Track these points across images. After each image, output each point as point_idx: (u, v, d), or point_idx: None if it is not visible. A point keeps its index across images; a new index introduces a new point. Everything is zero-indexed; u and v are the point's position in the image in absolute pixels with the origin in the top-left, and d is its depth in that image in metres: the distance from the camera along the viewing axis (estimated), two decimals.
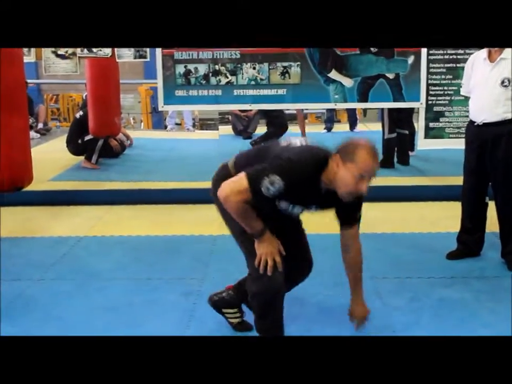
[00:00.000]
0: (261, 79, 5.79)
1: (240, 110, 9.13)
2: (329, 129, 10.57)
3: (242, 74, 5.80)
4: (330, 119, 10.73)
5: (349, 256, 3.10)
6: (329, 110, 10.41)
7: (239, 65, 5.79)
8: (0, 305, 3.53)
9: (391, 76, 5.79)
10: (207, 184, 5.95)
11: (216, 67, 5.79)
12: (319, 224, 3.67)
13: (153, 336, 3.01)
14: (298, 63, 5.75)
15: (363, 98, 5.86)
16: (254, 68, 5.78)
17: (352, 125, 10.55)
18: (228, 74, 5.80)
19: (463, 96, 4.92)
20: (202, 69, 5.79)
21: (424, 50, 5.69)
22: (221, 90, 5.83)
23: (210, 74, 5.81)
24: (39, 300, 3.84)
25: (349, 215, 3.04)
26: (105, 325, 3.44)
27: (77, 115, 8.05)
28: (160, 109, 6.48)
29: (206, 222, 5.29)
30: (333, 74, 5.77)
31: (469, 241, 4.34)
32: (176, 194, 6.11)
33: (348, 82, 5.79)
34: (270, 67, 5.78)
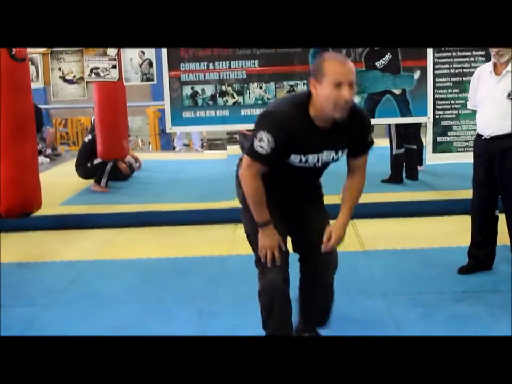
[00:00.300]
0: (268, 98, 5.78)
1: (248, 130, 9.15)
2: None
3: (249, 94, 5.81)
4: None
5: (353, 179, 3.11)
6: None
7: (246, 85, 5.79)
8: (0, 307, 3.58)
9: (397, 91, 5.79)
10: (216, 205, 6.00)
11: (223, 88, 5.80)
12: None
13: (153, 336, 3.07)
14: (305, 81, 5.73)
15: (370, 114, 5.78)
16: (261, 88, 5.79)
17: None
18: (234, 95, 5.81)
19: (470, 109, 4.95)
20: (209, 90, 5.80)
21: (430, 65, 5.70)
22: (228, 110, 5.84)
23: (217, 95, 5.81)
24: (52, 325, 3.83)
25: (358, 148, 3.02)
26: None
27: (86, 139, 8.11)
28: (168, 131, 6.51)
29: (215, 243, 5.33)
30: None
31: (480, 255, 4.32)
32: (185, 216, 6.12)
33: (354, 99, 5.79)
34: (277, 86, 5.78)
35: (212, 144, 13.37)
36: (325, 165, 3.03)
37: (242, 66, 5.79)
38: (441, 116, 5.80)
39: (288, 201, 3.15)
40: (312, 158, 2.91)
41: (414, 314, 3.74)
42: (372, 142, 3.04)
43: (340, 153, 2.96)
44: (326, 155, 2.93)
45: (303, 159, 2.90)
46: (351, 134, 2.90)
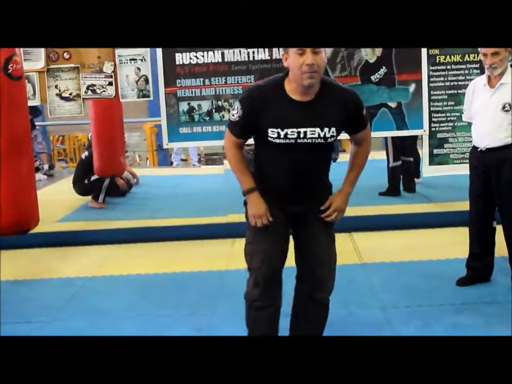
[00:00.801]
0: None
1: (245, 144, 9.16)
2: (334, 159, 10.58)
3: None
4: (335, 149, 10.77)
5: (359, 147, 3.13)
6: None
7: None
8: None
9: (393, 104, 5.79)
10: (214, 220, 5.99)
11: (219, 103, 5.79)
12: None
13: (153, 336, 3.17)
14: None
15: None
16: None
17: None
18: (231, 110, 5.80)
19: (466, 122, 4.97)
20: (205, 105, 5.79)
21: (425, 78, 5.71)
22: (225, 125, 5.81)
23: (214, 110, 5.81)
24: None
25: (355, 126, 3.05)
26: None
27: (83, 155, 8.14)
28: (165, 147, 6.51)
29: (213, 258, 5.33)
30: None
31: (478, 267, 4.33)
32: (183, 231, 6.13)
33: None
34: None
35: (209, 159, 13.39)
36: (315, 146, 2.95)
37: (238, 81, 5.78)
38: (437, 129, 5.81)
39: (291, 202, 3.09)
40: (291, 133, 2.88)
41: (413, 327, 3.75)
42: (367, 121, 3.09)
43: (326, 130, 2.91)
44: (310, 132, 2.90)
45: (281, 133, 2.88)
46: (340, 111, 2.92)
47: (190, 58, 5.72)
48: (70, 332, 3.95)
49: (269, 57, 5.72)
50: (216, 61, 5.74)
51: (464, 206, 4.56)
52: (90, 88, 5.86)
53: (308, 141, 2.90)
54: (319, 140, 2.91)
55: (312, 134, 2.89)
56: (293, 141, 2.89)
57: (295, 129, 2.88)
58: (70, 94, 5.87)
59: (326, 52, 2.85)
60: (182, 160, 12.15)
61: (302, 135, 2.88)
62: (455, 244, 5.05)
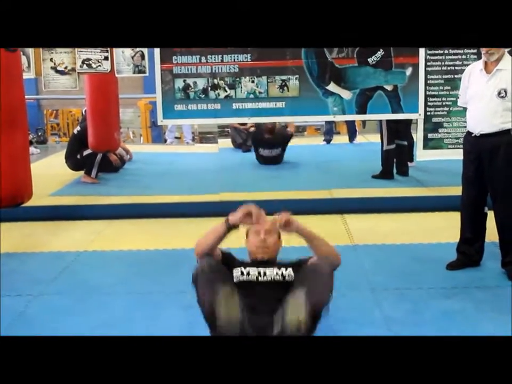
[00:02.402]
0: (260, 93, 5.81)
1: (239, 123, 9.16)
2: (328, 141, 10.62)
3: (241, 88, 5.83)
4: (329, 131, 10.78)
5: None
6: (328, 122, 10.45)
7: (238, 79, 5.81)
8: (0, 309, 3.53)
9: (389, 87, 5.81)
10: (207, 198, 5.98)
11: (215, 81, 5.81)
12: None
13: (153, 336, 3.04)
14: (297, 76, 5.77)
15: (361, 110, 5.88)
16: (253, 82, 5.81)
17: (352, 136, 10.62)
18: (226, 88, 5.83)
19: (461, 107, 4.97)
20: (201, 83, 5.81)
21: (422, 62, 5.74)
22: (220, 104, 5.86)
23: (209, 88, 5.83)
24: (41, 316, 3.84)
25: None
26: None
27: (75, 130, 8.15)
28: (159, 123, 6.51)
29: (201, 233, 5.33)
30: (332, 87, 5.81)
31: (468, 251, 4.36)
32: (176, 208, 6.14)
33: (346, 94, 5.82)
34: (269, 80, 5.80)
35: (203, 137, 13.37)
36: (276, 283, 3.25)
37: (234, 60, 5.81)
38: (432, 113, 5.86)
39: None
40: (252, 271, 3.26)
41: (402, 310, 3.77)
42: None
43: (283, 270, 3.29)
44: (269, 272, 3.27)
45: (244, 271, 3.28)
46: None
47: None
48: (58, 307, 3.99)
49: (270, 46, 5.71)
50: None
51: (456, 191, 4.56)
52: (85, 62, 5.86)
53: (268, 278, 3.25)
54: (278, 277, 3.26)
55: (271, 273, 3.25)
56: (255, 279, 3.25)
57: (255, 268, 3.28)
58: (65, 67, 5.87)
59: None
60: (176, 138, 12.11)
61: (262, 273, 3.26)
62: (446, 228, 5.06)
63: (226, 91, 5.84)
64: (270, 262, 3.32)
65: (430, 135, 5.87)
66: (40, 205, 6.14)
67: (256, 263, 3.33)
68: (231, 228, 3.24)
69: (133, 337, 2.75)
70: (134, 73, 5.86)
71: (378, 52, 5.73)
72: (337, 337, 3.07)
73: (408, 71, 5.78)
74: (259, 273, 3.26)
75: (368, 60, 5.77)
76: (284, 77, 5.81)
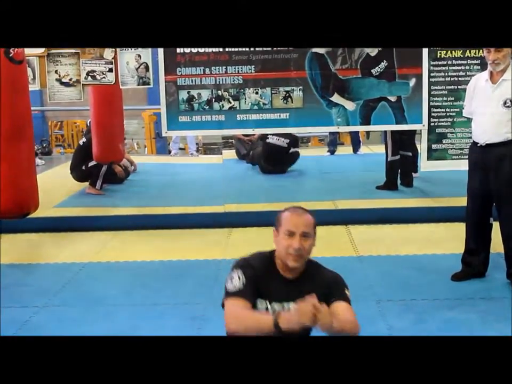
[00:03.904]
0: (264, 104, 5.82)
1: (243, 135, 9.17)
2: (332, 152, 10.62)
3: (245, 99, 5.83)
4: (333, 142, 10.79)
5: (346, 324, 2.98)
6: (332, 133, 10.44)
7: (242, 91, 5.82)
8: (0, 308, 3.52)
9: (393, 98, 5.81)
10: (212, 209, 5.98)
11: (219, 92, 5.81)
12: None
13: (151, 336, 3.01)
14: (301, 87, 5.77)
15: (365, 121, 5.88)
16: (257, 93, 5.81)
17: (355, 147, 10.63)
18: (230, 100, 5.83)
19: (465, 117, 4.98)
20: (205, 94, 5.82)
21: (425, 73, 5.73)
22: (224, 115, 5.85)
23: (213, 99, 5.83)
24: (45, 327, 3.86)
25: (335, 292, 2.93)
26: None
27: (81, 142, 8.17)
28: (163, 135, 6.53)
29: (210, 247, 5.35)
30: (335, 98, 5.81)
31: (473, 262, 4.36)
32: (180, 219, 6.15)
33: (350, 105, 5.81)
34: (273, 92, 5.80)
35: (207, 148, 13.37)
36: None
37: (238, 71, 5.81)
38: (436, 124, 5.84)
39: None
40: (277, 307, 2.87)
41: (407, 321, 3.78)
42: (348, 295, 2.93)
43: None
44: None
45: (269, 307, 2.88)
46: (322, 290, 2.84)
47: (190, 48, 5.73)
48: (64, 318, 4.01)
49: (269, 48, 5.71)
50: (217, 50, 5.74)
51: (461, 201, 4.59)
52: (90, 74, 5.88)
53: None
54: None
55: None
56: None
57: (281, 304, 2.86)
58: (70, 79, 5.89)
59: (315, 236, 2.86)
60: (180, 149, 12.11)
61: (286, 309, 2.85)
62: (451, 239, 5.10)
63: (230, 102, 5.84)
64: (299, 280, 2.93)
65: (434, 146, 5.84)
66: (45, 216, 6.14)
67: (283, 281, 2.92)
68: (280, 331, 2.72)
69: (133, 337, 2.81)
70: (138, 85, 5.87)
71: (382, 63, 5.72)
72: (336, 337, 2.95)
73: (412, 82, 5.77)
74: (283, 308, 2.87)
75: (372, 71, 5.76)
76: (288, 88, 5.81)
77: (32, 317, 4.02)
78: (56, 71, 5.87)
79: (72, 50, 5.80)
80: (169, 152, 11.90)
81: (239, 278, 2.82)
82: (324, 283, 2.88)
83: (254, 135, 8.83)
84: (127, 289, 4.49)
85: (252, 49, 5.73)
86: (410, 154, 7.21)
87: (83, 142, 7.97)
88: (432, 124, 5.83)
